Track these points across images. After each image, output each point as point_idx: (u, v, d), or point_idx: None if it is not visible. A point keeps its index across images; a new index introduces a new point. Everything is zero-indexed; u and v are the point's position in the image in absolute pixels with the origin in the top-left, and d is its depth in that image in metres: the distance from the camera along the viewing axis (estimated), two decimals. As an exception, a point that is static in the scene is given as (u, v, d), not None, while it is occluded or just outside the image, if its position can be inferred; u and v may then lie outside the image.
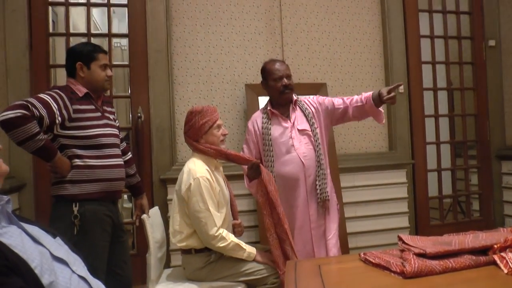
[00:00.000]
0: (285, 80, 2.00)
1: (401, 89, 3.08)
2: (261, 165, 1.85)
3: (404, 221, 3.02)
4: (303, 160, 1.94)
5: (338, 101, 2.01)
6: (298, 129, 1.98)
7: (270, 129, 2.02)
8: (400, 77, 3.09)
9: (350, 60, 3.07)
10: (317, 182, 1.94)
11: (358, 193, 2.91)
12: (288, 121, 2.01)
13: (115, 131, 1.87)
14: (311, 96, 2.11)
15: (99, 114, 1.78)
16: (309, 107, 2.03)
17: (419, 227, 3.10)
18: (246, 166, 1.93)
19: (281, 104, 2.04)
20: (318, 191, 1.93)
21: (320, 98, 2.07)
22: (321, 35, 3.02)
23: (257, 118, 2.09)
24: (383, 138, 3.11)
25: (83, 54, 1.78)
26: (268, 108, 2.06)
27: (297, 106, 2.04)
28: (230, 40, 2.87)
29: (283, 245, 1.80)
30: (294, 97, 2.06)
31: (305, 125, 1.98)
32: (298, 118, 2.01)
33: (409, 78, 3.13)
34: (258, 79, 2.88)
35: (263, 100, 2.80)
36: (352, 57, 3.07)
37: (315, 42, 3.00)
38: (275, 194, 1.80)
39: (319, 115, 2.03)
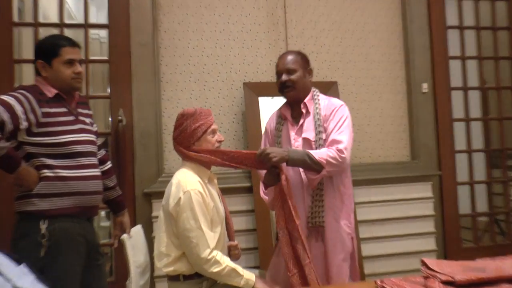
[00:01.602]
0: (283, 76, 1.99)
1: (425, 88, 3.10)
2: (281, 168, 1.83)
3: (430, 243, 3.01)
4: (302, 173, 1.94)
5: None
6: (303, 137, 1.96)
7: (281, 130, 2.04)
8: (423, 74, 3.11)
9: (364, 56, 3.08)
10: (310, 203, 1.90)
11: (374, 210, 2.90)
12: (295, 126, 2.01)
13: (92, 137, 1.88)
14: (336, 103, 1.98)
15: (72, 117, 1.79)
16: (322, 111, 1.97)
17: (448, 250, 3.09)
18: (262, 171, 1.93)
19: (292, 104, 2.04)
20: (309, 213, 1.89)
21: (329, 123, 1.94)
22: (331, 26, 3.04)
23: (274, 118, 2.12)
24: (404, 146, 3.11)
25: (42, 50, 1.78)
26: (281, 108, 2.08)
27: (311, 108, 1.99)
28: (226, 32, 2.88)
29: (295, 243, 1.79)
30: (312, 95, 2.00)
31: (310, 133, 1.95)
32: (307, 124, 1.99)
33: (434, 75, 3.14)
34: (258, 77, 2.92)
35: (263, 101, 2.81)
36: (367, 51, 3.09)
37: (324, 35, 3.02)
38: (288, 183, 1.81)
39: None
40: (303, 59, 2.04)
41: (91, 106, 2.05)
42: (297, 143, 1.97)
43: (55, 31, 2.65)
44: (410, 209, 2.97)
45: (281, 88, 2.00)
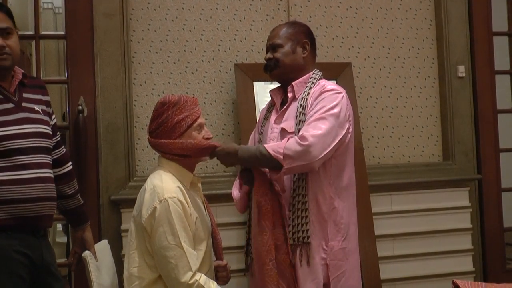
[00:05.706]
0: (268, 53, 2.08)
1: (462, 71, 3.13)
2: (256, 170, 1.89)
3: (465, 263, 3.07)
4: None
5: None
6: (281, 127, 2.02)
7: (267, 118, 2.13)
8: (459, 54, 3.14)
9: (385, 31, 3.12)
10: (290, 215, 1.90)
11: (397, 222, 2.95)
12: (277, 112, 2.09)
13: (41, 128, 1.89)
14: (329, 87, 1.99)
15: (11, 105, 1.82)
16: (311, 96, 1.99)
17: (489, 271, 3.15)
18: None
19: (285, 86, 2.11)
20: (290, 227, 1.89)
21: (310, 111, 1.94)
22: (344, -8, 3.08)
23: (267, 102, 2.23)
24: (435, 143, 3.16)
25: None
26: (272, 90, 2.16)
27: (300, 92, 2.04)
28: (213, -1, 2.93)
29: (282, 280, 1.86)
30: (308, 76, 2.05)
31: (289, 123, 1.99)
32: (291, 111, 2.03)
33: (473, 56, 3.18)
34: (253, 57, 2.95)
35: (260, 87, 2.85)
36: (388, 25, 3.13)
37: (334, 4, 3.06)
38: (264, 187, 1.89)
39: None
40: (297, 30, 2.09)
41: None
42: (273, 134, 2.03)
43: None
44: (441, 222, 3.02)
45: (264, 68, 2.09)
